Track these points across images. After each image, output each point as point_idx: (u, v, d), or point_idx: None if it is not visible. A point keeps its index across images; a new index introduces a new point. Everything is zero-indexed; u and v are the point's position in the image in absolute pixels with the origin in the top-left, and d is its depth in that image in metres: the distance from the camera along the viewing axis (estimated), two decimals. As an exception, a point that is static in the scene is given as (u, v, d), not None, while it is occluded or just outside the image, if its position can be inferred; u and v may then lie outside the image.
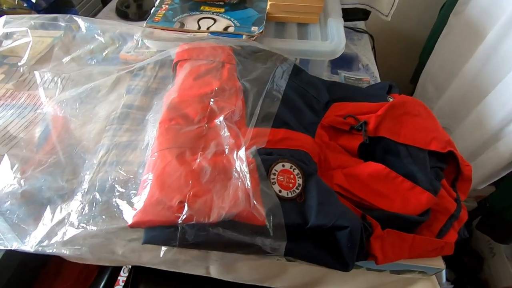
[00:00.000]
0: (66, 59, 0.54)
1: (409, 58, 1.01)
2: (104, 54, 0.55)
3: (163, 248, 0.32)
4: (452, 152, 0.47)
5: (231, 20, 0.57)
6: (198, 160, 0.33)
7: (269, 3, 0.60)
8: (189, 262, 0.35)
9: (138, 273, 0.66)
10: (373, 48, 0.96)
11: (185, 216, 0.29)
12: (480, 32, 0.70)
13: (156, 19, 0.57)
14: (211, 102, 0.39)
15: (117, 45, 0.55)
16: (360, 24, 0.97)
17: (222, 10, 0.60)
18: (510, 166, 0.69)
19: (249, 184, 0.31)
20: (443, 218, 0.41)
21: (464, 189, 0.48)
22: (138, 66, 0.53)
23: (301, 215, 0.33)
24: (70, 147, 0.41)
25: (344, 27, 0.93)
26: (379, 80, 0.77)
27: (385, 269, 0.43)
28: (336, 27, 0.59)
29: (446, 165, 0.49)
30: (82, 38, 0.53)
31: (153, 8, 0.59)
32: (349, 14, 0.88)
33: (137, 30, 0.54)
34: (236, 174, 0.32)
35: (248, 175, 0.31)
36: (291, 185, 0.34)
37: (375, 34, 0.95)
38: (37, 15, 0.58)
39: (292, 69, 0.51)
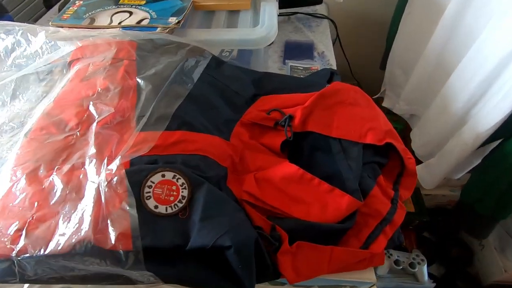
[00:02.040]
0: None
1: (377, 42, 0.94)
2: (9, 60, 0.50)
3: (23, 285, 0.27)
4: (391, 144, 0.41)
5: (149, 12, 0.52)
6: (51, 177, 0.28)
7: (194, -10, 0.55)
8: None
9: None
10: (337, 34, 0.90)
11: (19, 248, 0.24)
12: (440, 6, 0.64)
13: (65, 17, 0.52)
14: (90, 106, 0.33)
15: (23, 48, 0.50)
16: (321, 9, 0.91)
17: (143, 2, 0.55)
18: (481, 153, 0.62)
19: (103, 203, 0.26)
20: (373, 223, 0.35)
21: (409, 185, 0.42)
22: (47, 70, 0.48)
23: (182, 234, 0.28)
24: None
25: (302, 13, 0.88)
26: (334, 68, 0.71)
27: (312, 284, 0.37)
28: (269, 11, 0.53)
29: (387, 159, 0.43)
30: (-20, 43, 0.48)
31: (66, 5, 0.54)
32: (301, -1, 0.82)
33: (41, 30, 0.49)
34: (92, 191, 0.27)
35: (104, 192, 0.26)
36: (172, 198, 0.28)
37: (339, 19, 0.88)
38: None
39: (209, 62, 0.45)
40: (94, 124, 0.32)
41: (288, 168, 0.35)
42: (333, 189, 0.34)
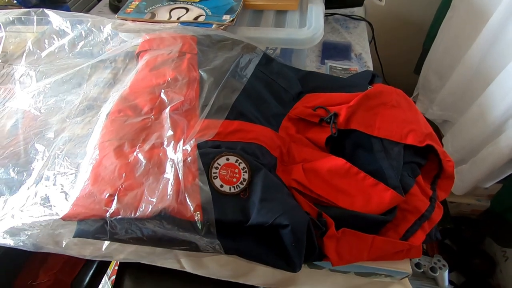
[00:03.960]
0: (43, 53, 0.54)
1: (413, 46, 0.94)
2: (78, 47, 0.55)
3: (106, 242, 0.32)
4: (431, 146, 0.43)
5: (204, 9, 0.56)
6: (135, 153, 0.32)
7: (245, -10, 0.58)
8: (154, 255, 0.34)
9: (124, 267, 0.66)
10: (373, 36, 0.90)
11: (112, 210, 0.28)
12: (484, 13, 0.64)
13: (128, 11, 0.56)
14: (161, 93, 0.38)
15: (90, 38, 0.55)
16: (359, 11, 0.92)
17: (198, -1, 0.58)
18: (516, 162, 0.62)
19: (181, 178, 0.30)
20: (412, 218, 0.37)
21: (446, 187, 0.44)
22: (110, 58, 0.53)
23: (243, 212, 0.32)
24: (29, 139, 0.41)
25: (340, 14, 0.89)
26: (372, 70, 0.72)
27: (349, 270, 0.40)
28: (316, 13, 0.56)
29: (426, 160, 0.44)
30: (54, 32, 0.54)
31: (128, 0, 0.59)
32: (341, 1, 0.84)
33: (108, 22, 0.54)
34: (170, 168, 0.31)
35: (182, 169, 0.30)
36: (235, 179, 0.32)
37: (376, 21, 0.89)
38: (9, 10, 0.59)
39: (261, 58, 0.48)
40: (167, 109, 0.36)
41: (335, 161, 0.38)
42: (378, 183, 0.36)
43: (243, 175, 0.33)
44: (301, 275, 0.48)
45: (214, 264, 0.48)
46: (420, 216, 0.37)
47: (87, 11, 0.90)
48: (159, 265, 0.50)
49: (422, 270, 0.84)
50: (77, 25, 0.53)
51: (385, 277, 0.40)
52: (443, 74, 0.81)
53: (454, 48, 0.75)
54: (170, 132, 0.34)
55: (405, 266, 0.37)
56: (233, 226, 0.32)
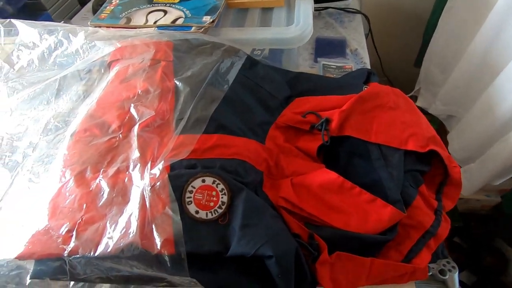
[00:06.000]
0: (15, 67, 0.51)
1: (412, 38, 0.89)
2: (51, 59, 0.52)
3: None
4: (435, 151, 0.38)
5: (183, 11, 0.52)
6: (98, 179, 0.29)
7: (227, -12, 0.54)
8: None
9: None
10: (369, 30, 0.86)
11: (70, 248, 0.25)
12: (488, 0, 0.59)
13: (102, 16, 0.53)
14: (131, 108, 0.34)
15: (62, 49, 0.52)
16: (354, 4, 0.87)
17: (177, 0, 0.54)
18: (528, 159, 0.58)
19: (148, 207, 0.26)
20: (415, 235, 0.33)
21: (453, 196, 0.39)
22: (85, 69, 0.49)
23: (222, 241, 0.28)
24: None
25: (333, 8, 0.85)
26: (368, 67, 0.68)
27: (348, 295, 0.36)
28: (304, 9, 0.52)
29: (430, 167, 0.40)
30: (24, 44, 0.50)
31: (103, 4, 0.55)
32: (334, -7, 0.79)
33: (81, 30, 0.50)
34: (136, 196, 0.27)
35: (149, 196, 0.26)
36: (212, 203, 0.28)
37: (372, 13, 0.84)
38: (-27, 22, 0.55)
39: (244, 62, 0.44)
40: (136, 126, 0.32)
41: (327, 175, 0.34)
42: (375, 199, 0.32)
43: (222, 198, 0.29)
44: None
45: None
46: (425, 232, 0.33)
47: (70, 18, 0.87)
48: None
49: (430, 273, 0.80)
50: (46, 35, 0.50)
51: (388, 300, 0.36)
52: (446, 67, 0.76)
53: (456, 39, 0.70)
54: (137, 154, 0.30)
55: (410, 290, 0.33)
56: (212, 258, 0.28)
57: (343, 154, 0.40)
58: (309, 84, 0.48)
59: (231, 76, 0.41)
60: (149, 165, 0.29)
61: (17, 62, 0.52)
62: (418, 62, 0.84)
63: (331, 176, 0.34)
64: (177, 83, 0.37)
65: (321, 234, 0.32)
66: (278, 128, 0.42)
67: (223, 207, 0.29)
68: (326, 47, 0.73)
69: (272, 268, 0.27)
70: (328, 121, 0.40)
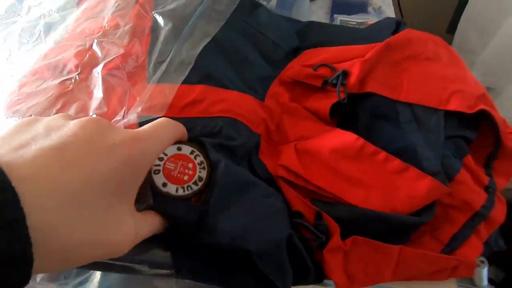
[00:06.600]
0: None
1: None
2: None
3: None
4: (485, 112, 0.29)
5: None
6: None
7: None
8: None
9: None
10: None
11: None
12: None
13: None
14: (93, 44, 0.27)
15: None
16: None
17: None
18: None
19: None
20: (460, 218, 0.25)
21: (507, 171, 0.31)
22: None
23: (193, 224, 0.21)
24: None
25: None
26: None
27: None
28: None
29: (476, 134, 0.31)
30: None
31: None
32: None
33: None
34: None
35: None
36: (186, 177, 0.21)
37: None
38: None
39: (244, 2, 0.36)
40: (100, 67, 0.25)
41: (342, 137, 0.26)
42: (407, 167, 0.24)
43: (199, 172, 0.22)
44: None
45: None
46: (473, 214, 0.25)
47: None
48: None
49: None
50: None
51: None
52: (486, 31, 0.65)
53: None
54: (98, 102, 0.23)
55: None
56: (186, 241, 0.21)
57: (363, 116, 0.31)
58: (322, 34, 0.39)
59: (224, 16, 0.33)
60: (116, 119, 0.22)
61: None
62: (452, 27, 0.73)
63: (347, 137, 0.26)
64: (156, 16, 0.29)
65: (332, 213, 0.24)
66: (282, 84, 0.34)
67: (200, 183, 0.21)
68: (344, 5, 0.63)
69: (257, 263, 0.20)
70: (345, 74, 0.31)
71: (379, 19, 0.58)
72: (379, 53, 0.32)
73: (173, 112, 0.25)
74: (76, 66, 0.26)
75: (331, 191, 0.25)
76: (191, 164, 0.22)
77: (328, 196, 0.25)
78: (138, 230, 0.18)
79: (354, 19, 0.54)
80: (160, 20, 0.29)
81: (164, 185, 0.21)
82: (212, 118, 0.26)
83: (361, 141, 0.25)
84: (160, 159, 0.21)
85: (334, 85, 0.32)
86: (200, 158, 0.22)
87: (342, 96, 0.30)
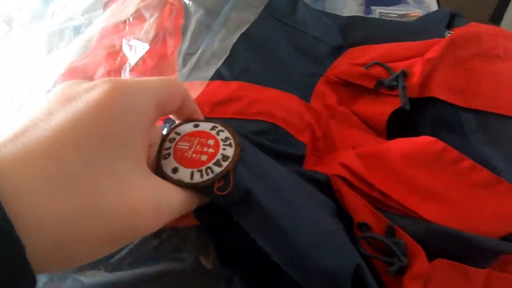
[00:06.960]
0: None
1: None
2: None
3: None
4: None
5: None
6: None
7: None
8: None
9: None
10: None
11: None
12: None
13: None
14: (122, 44, 0.24)
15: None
16: None
17: None
18: None
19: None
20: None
21: None
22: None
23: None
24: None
25: None
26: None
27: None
28: None
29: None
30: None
31: None
32: None
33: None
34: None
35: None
36: (205, 157, 0.16)
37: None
38: None
39: (278, 3, 0.32)
40: (127, 71, 0.22)
41: (416, 139, 0.23)
42: (499, 180, 0.21)
43: (223, 150, 0.16)
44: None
45: None
46: None
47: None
48: None
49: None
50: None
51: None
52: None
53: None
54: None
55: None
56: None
57: (425, 125, 0.28)
58: (366, 29, 0.35)
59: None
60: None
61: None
62: (497, 16, 0.67)
63: (423, 140, 0.22)
64: (186, 2, 0.26)
65: (408, 229, 0.21)
66: (328, 83, 0.30)
67: (224, 164, 0.16)
68: (379, -4, 0.58)
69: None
70: (405, 74, 0.28)
71: (420, 9, 0.54)
72: (443, 52, 0.28)
73: (203, 110, 0.21)
74: (108, 72, 0.23)
75: (400, 201, 0.21)
76: (212, 141, 0.16)
77: (395, 207, 0.22)
78: (159, 197, 0.14)
79: (394, 11, 0.49)
80: (190, 5, 0.26)
81: (175, 170, 0.15)
82: (249, 121, 0.23)
83: (441, 144, 0.22)
84: (171, 140, 0.17)
85: (390, 88, 0.28)
86: (225, 134, 0.16)
87: (405, 100, 0.27)
